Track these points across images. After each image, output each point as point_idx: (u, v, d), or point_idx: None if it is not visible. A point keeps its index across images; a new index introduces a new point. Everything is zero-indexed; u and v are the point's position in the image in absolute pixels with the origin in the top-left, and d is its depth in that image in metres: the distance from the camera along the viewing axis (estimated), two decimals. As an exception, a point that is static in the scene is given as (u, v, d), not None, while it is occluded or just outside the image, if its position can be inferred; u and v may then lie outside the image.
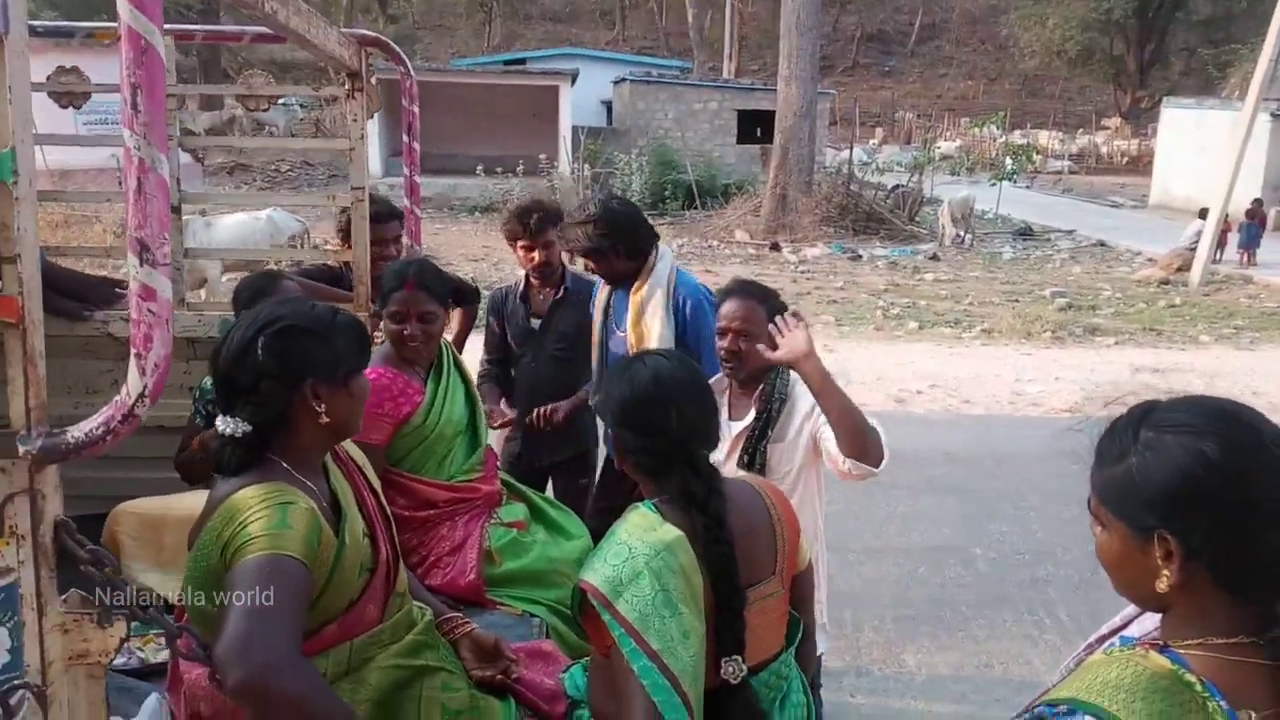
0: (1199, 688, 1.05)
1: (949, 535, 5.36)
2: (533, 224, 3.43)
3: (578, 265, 3.57)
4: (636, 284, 3.27)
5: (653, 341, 3.21)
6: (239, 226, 10.00)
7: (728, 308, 2.65)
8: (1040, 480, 6.03)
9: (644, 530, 1.63)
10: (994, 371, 9.21)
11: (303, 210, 10.50)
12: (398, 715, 1.69)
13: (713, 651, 1.61)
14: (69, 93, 3.27)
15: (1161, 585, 1.11)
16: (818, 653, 2.69)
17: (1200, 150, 21.07)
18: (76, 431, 1.23)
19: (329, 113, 24.68)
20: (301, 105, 28.36)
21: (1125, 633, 1.32)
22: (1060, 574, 4.83)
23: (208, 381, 2.77)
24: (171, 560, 2.49)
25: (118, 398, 1.23)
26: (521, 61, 28.44)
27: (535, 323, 3.58)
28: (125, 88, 1.17)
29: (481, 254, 15.43)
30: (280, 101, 29.18)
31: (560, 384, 3.55)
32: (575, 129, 21.87)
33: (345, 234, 3.47)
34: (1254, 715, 1.05)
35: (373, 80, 2.86)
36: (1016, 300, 12.98)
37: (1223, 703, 1.04)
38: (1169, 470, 1.10)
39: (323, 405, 1.68)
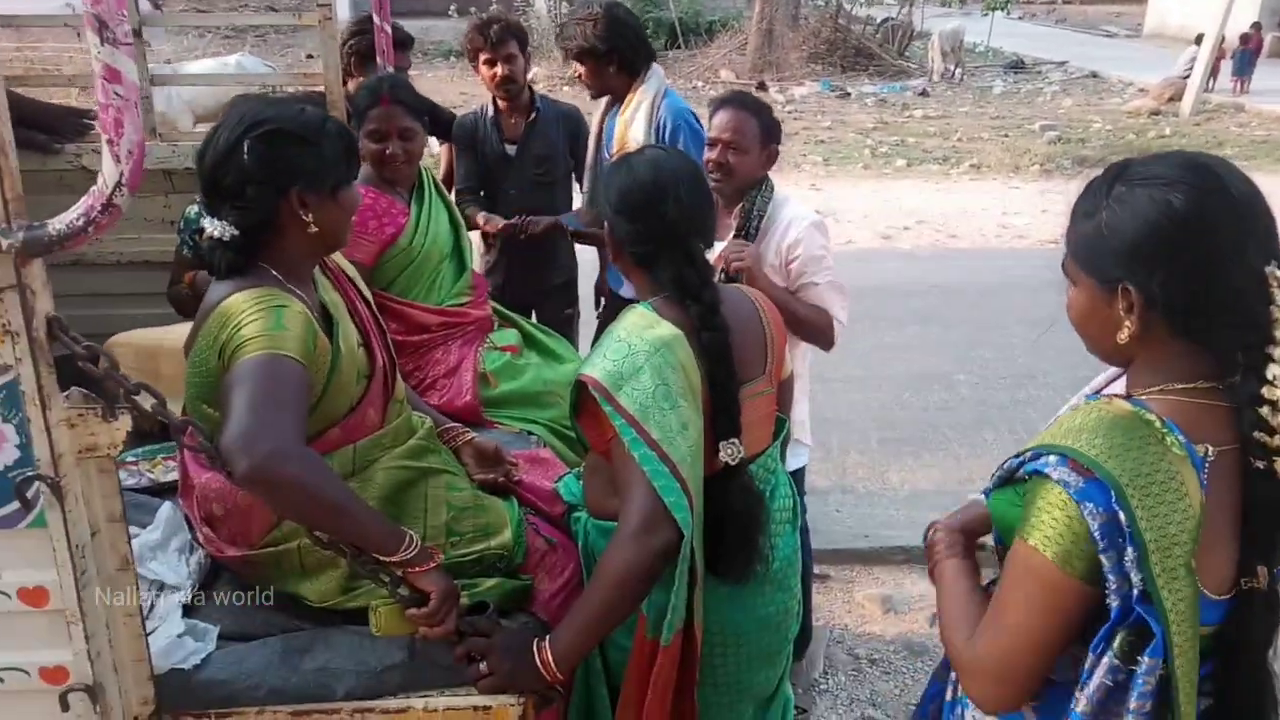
0: (1158, 424, 1.11)
1: (933, 363, 5.46)
2: (493, 34, 3.32)
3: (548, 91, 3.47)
4: (624, 106, 3.21)
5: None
6: (206, 75, 9.58)
7: (719, 118, 2.57)
8: (1024, 309, 6.10)
9: (642, 328, 1.64)
10: (981, 206, 9.15)
11: (300, 34, 9.98)
12: (404, 512, 1.74)
13: (711, 438, 1.66)
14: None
15: (1122, 336, 1.16)
16: (800, 466, 2.81)
17: (1200, -26, 20.29)
18: (58, 223, 1.21)
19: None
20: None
21: (1106, 392, 1.37)
22: (1041, 395, 4.95)
23: (192, 210, 2.72)
24: (169, 389, 2.50)
25: (94, 187, 1.20)
26: (490, -108, 26.69)
27: (510, 149, 3.49)
28: None
29: (460, 101, 14.89)
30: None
31: (542, 211, 3.50)
32: (549, -37, 20.78)
33: (359, 59, 3.34)
34: (1210, 449, 1.12)
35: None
36: (1005, 135, 12.76)
37: (1180, 436, 1.10)
38: (1136, 222, 1.13)
39: (310, 214, 1.65)
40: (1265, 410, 1.09)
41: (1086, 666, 1.14)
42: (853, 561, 3.63)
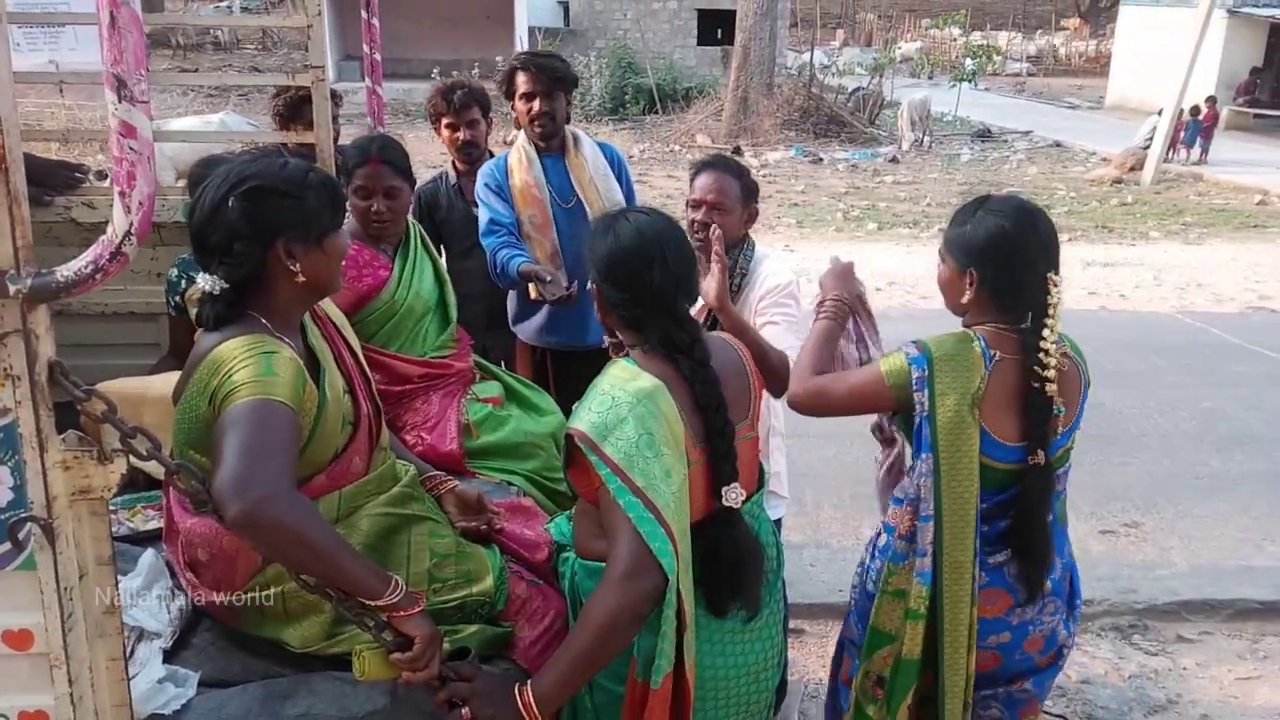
0: (973, 337, 1.96)
1: (906, 420, 5.53)
2: (457, 100, 3.42)
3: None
4: (565, 150, 3.31)
5: (619, 201, 3.30)
6: (197, 132, 9.69)
7: (702, 180, 2.68)
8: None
9: (625, 380, 1.70)
10: (951, 268, 9.34)
11: (261, 100, 10.12)
12: (388, 558, 1.77)
13: (709, 483, 1.72)
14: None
15: (965, 299, 2.00)
16: (777, 517, 2.86)
17: (1158, 49, 21.05)
18: (66, 270, 1.25)
19: (275, 15, 23.72)
20: (245, 9, 27.24)
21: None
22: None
23: (172, 273, 2.77)
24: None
25: (104, 237, 1.25)
26: (473, -40, 27.36)
27: (475, 210, 3.49)
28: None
29: (440, 161, 15.11)
30: (217, 5, 28.07)
31: None
32: (532, 30, 21.28)
33: (283, 118, 3.43)
34: (998, 354, 1.94)
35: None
36: (974, 200, 13.09)
37: (980, 342, 1.94)
38: (984, 234, 1.94)
39: (297, 264, 1.70)
40: (1040, 355, 1.89)
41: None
42: (827, 616, 3.65)
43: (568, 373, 3.46)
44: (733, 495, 1.72)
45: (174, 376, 2.46)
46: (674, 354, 1.73)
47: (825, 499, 4.55)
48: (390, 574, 1.58)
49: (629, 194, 3.47)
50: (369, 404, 1.88)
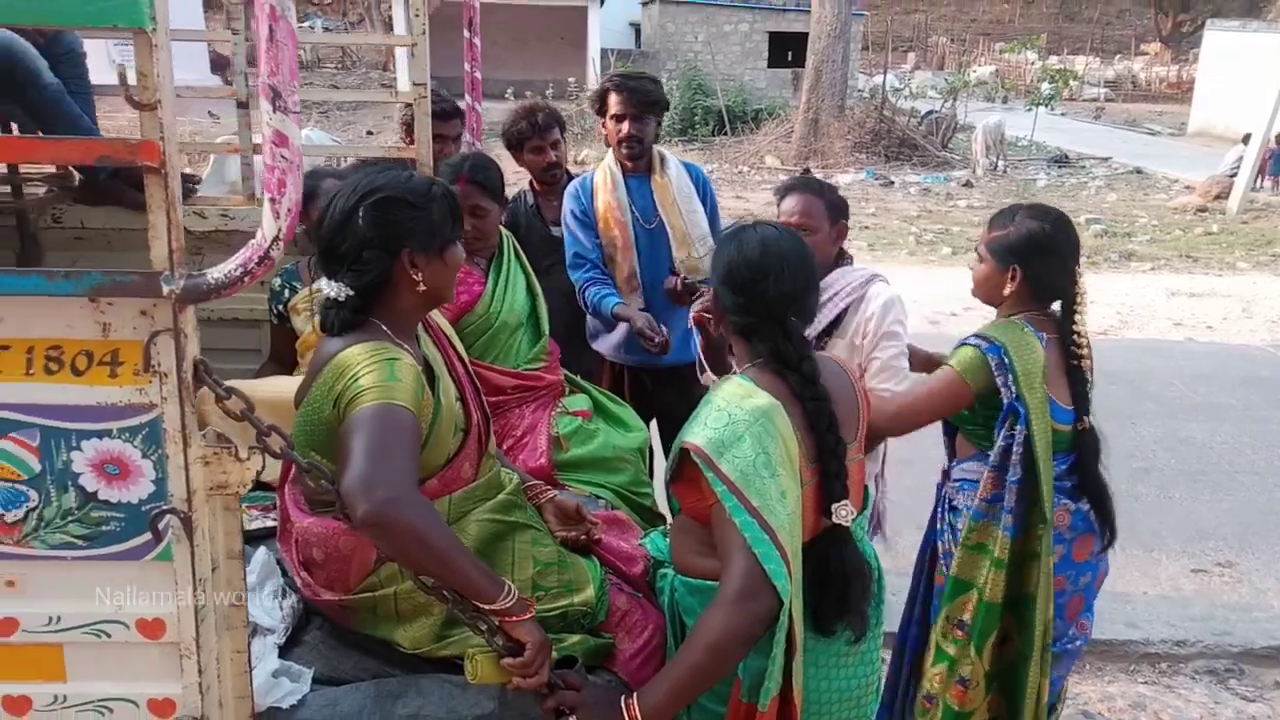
0: (1019, 322, 2.30)
1: (985, 447, 5.42)
2: (540, 120, 3.43)
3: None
4: (652, 169, 3.33)
5: (700, 223, 3.31)
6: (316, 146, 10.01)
7: (787, 204, 2.69)
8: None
9: (741, 397, 1.70)
10: (1029, 295, 9.16)
11: (361, 112, 10.39)
12: (493, 564, 1.79)
13: (818, 504, 1.72)
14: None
15: (1006, 291, 2.33)
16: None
17: (1243, 75, 20.46)
18: (216, 273, 1.30)
19: (355, 35, 24.41)
20: (326, 29, 28.07)
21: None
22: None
23: (276, 282, 2.86)
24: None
25: (253, 241, 1.30)
26: (548, -17, 27.88)
27: (556, 230, 3.53)
28: (253, -60, 1.22)
29: (514, 179, 15.32)
30: (302, 25, 29.02)
31: None
32: (604, 51, 21.56)
33: (409, 130, 3.50)
34: (1045, 335, 2.28)
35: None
36: (1051, 226, 12.83)
37: (1030, 328, 2.28)
38: (1025, 236, 2.28)
39: (420, 273, 1.74)
40: (1074, 337, 2.29)
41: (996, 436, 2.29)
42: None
43: (645, 390, 3.47)
44: (843, 513, 1.71)
45: (280, 380, 2.55)
46: (784, 370, 1.72)
47: (906, 527, 4.47)
48: (504, 579, 1.60)
49: (713, 215, 3.46)
50: (479, 412, 1.91)
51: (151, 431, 1.36)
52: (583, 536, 2.03)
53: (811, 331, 2.45)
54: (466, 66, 3.19)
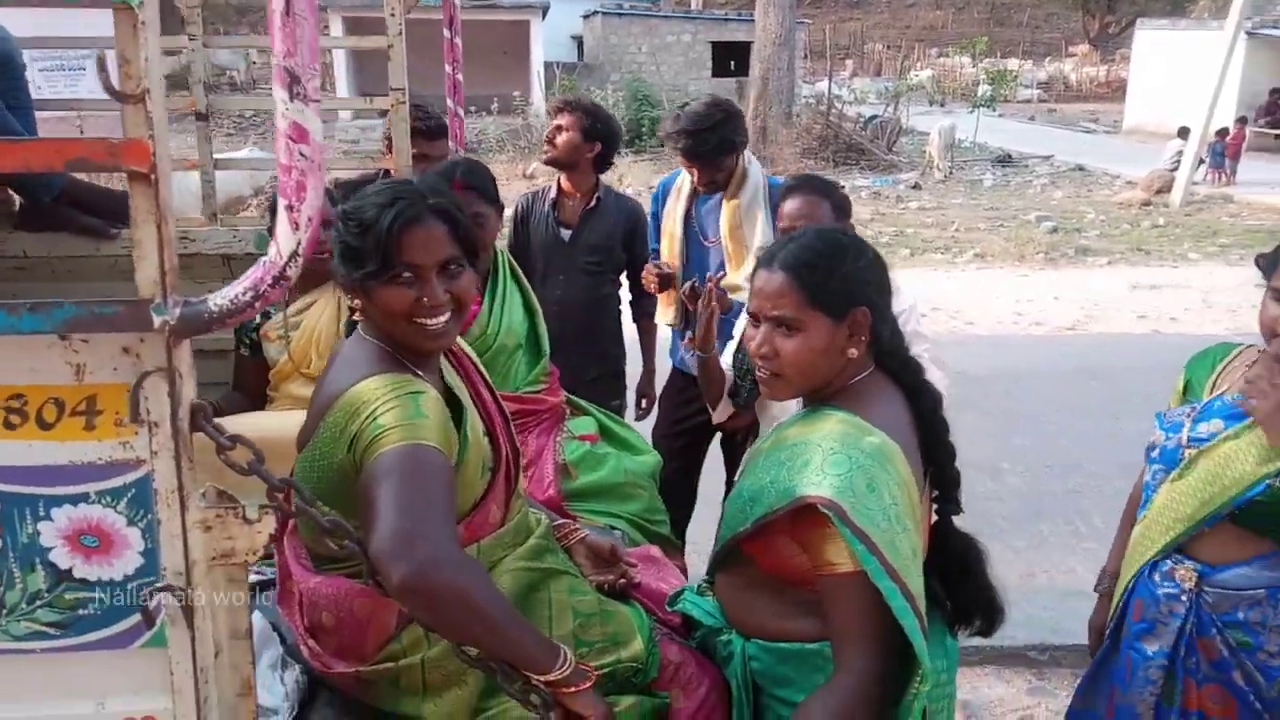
0: None
1: (975, 452, 5.31)
2: (551, 106, 3.37)
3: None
4: (729, 191, 3.17)
5: (758, 243, 3.13)
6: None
7: (790, 205, 2.56)
8: (1059, 396, 6.01)
9: (856, 437, 1.46)
10: (993, 294, 9.17)
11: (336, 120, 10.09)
12: (531, 618, 1.57)
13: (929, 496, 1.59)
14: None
15: None
16: None
17: (1175, 72, 21.00)
18: (220, 298, 1.07)
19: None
20: (262, 50, 27.40)
21: None
22: (1092, 484, 4.82)
23: None
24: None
25: (265, 259, 1.07)
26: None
27: (565, 233, 3.39)
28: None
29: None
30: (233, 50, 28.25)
31: (591, 300, 3.41)
32: (548, 65, 21.35)
33: (389, 144, 3.26)
34: None
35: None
36: (1002, 225, 12.91)
37: None
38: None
39: (356, 302, 1.54)
40: None
41: None
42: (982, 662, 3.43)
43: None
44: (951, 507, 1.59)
45: (264, 417, 2.30)
46: (899, 378, 1.57)
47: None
48: (560, 645, 1.39)
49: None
50: (509, 446, 1.68)
51: (139, 493, 1.12)
52: (620, 580, 1.82)
53: None
54: (448, 69, 2.97)
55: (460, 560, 1.29)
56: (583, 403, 2.79)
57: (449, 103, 2.95)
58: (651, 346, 3.61)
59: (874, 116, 20.14)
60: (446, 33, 2.89)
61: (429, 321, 1.50)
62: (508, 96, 19.80)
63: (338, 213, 1.54)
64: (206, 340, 2.88)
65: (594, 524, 2.40)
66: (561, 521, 1.92)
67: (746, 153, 3.21)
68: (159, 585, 1.14)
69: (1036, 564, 4.11)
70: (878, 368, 1.58)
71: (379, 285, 1.47)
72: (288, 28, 1.01)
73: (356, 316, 1.54)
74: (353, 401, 1.42)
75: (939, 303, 8.81)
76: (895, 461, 1.45)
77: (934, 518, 1.60)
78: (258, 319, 2.56)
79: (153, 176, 1.03)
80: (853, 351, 1.53)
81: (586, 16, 24.60)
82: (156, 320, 1.05)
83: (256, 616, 1.68)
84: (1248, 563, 1.90)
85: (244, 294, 1.06)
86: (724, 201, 3.18)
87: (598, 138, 3.31)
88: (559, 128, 3.30)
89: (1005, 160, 18.71)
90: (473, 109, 19.20)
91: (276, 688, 1.57)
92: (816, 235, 1.61)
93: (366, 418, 1.39)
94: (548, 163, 3.38)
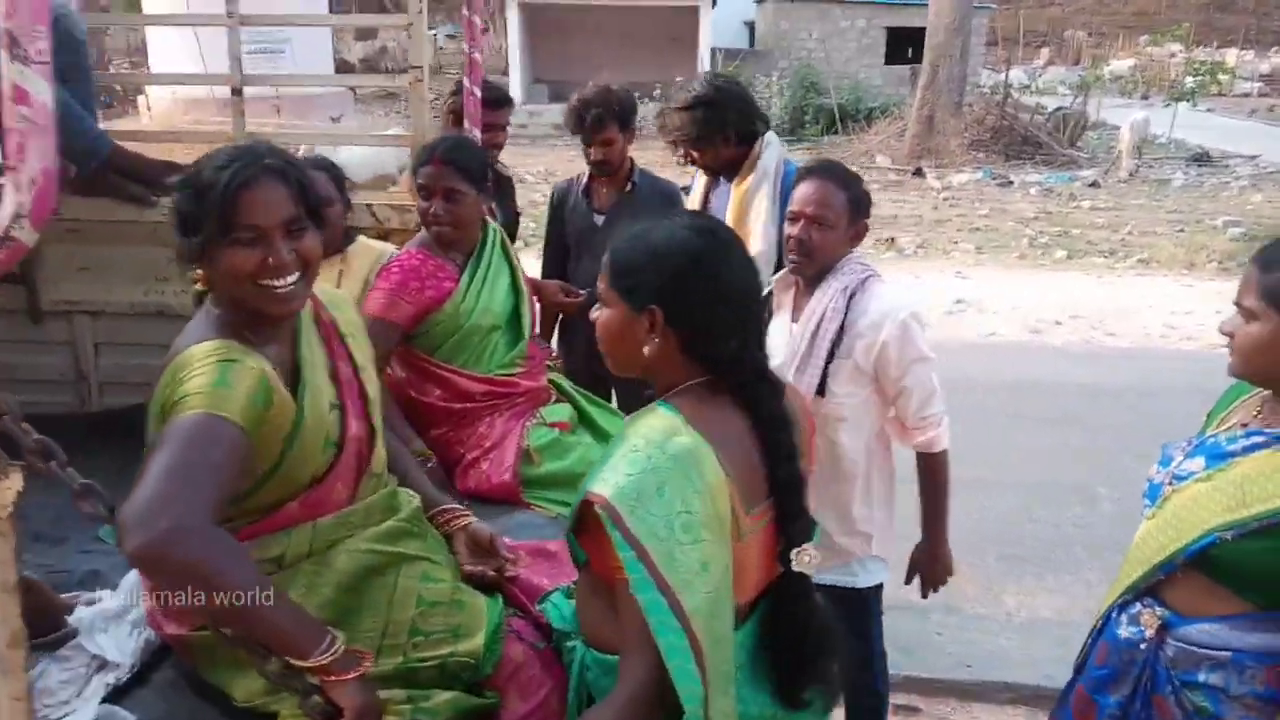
0: None
1: (1073, 472, 4.90)
2: (590, 120, 3.18)
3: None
4: (740, 175, 3.04)
5: (756, 241, 2.96)
6: (365, 152, 10.16)
7: (803, 190, 2.30)
8: (1186, 416, 5.37)
9: (665, 435, 1.35)
10: (1147, 303, 8.39)
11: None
12: (364, 602, 1.55)
13: (772, 549, 1.43)
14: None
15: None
16: (877, 583, 2.50)
17: None
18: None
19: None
20: (450, 36, 28.41)
21: None
22: (1198, 519, 4.33)
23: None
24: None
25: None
26: (661, -18, 27.71)
27: (599, 219, 3.36)
28: None
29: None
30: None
31: None
32: (714, 51, 21.18)
33: (456, 115, 3.32)
34: None
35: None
36: (1182, 230, 11.79)
37: None
38: None
39: (200, 269, 1.54)
40: None
41: None
42: (949, 695, 3.18)
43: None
44: (806, 559, 1.40)
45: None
46: (739, 389, 1.42)
47: (964, 557, 4.01)
48: (329, 630, 1.35)
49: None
50: (362, 424, 1.66)
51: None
52: (491, 572, 1.76)
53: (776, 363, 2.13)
54: (465, 48, 2.97)
55: (205, 534, 1.28)
56: (568, 388, 2.74)
57: (465, 81, 2.95)
58: None
59: (1059, 108, 18.84)
60: (465, 11, 2.89)
61: (276, 283, 1.49)
62: (671, 83, 19.81)
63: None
64: (176, 305, 2.97)
65: (546, 513, 2.37)
66: (448, 506, 1.88)
67: (768, 135, 3.04)
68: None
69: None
70: (716, 378, 1.44)
71: (222, 249, 1.47)
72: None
73: (198, 286, 1.55)
74: (174, 368, 1.44)
75: (1082, 310, 8.16)
76: (703, 466, 1.32)
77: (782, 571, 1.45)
78: None
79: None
80: (647, 349, 1.41)
81: (760, 2, 24.24)
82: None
83: (134, 574, 1.75)
84: (1218, 619, 1.67)
85: (-39, 256, 1.08)
86: (733, 187, 3.05)
87: (629, 124, 3.27)
88: (607, 142, 3.23)
89: (1202, 159, 17.07)
90: (636, 95, 19.33)
91: (127, 644, 1.62)
92: (654, 229, 1.48)
93: (176, 383, 1.40)
94: (599, 175, 3.35)
